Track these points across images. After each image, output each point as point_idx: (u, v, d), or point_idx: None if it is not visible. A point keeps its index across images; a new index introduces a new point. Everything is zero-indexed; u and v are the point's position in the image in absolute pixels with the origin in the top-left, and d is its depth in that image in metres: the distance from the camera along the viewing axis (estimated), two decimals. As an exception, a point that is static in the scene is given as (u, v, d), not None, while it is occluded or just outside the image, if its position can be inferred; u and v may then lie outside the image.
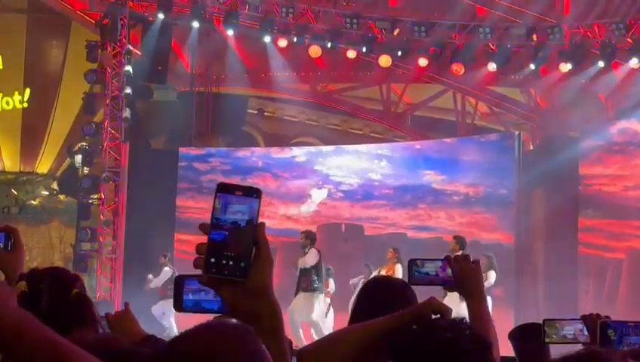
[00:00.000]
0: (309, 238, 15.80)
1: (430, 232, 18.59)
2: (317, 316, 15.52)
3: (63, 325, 3.12)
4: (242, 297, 1.79)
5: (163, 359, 1.78)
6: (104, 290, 18.40)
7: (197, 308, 2.29)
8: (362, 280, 15.49)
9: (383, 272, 15.01)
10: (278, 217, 19.70)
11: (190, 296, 2.31)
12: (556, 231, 17.68)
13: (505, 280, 17.08)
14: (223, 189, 1.81)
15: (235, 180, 20.12)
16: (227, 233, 1.78)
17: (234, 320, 1.82)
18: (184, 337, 1.77)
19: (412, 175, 19.12)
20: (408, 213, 19.05)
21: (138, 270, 17.42)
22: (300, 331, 15.29)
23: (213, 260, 1.77)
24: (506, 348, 3.41)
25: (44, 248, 22.94)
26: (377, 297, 3.46)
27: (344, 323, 3.38)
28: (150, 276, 17.06)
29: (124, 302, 4.12)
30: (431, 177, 18.94)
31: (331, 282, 16.49)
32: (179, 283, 2.34)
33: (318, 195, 19.78)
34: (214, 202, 1.80)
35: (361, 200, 19.55)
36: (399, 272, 14.78)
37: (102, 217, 18.92)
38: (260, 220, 1.82)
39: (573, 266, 16.83)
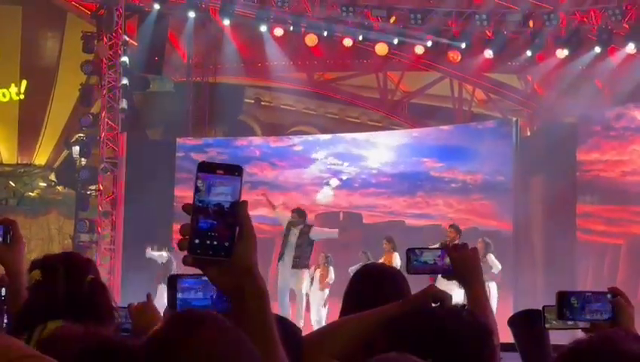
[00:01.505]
0: (302, 216, 15.56)
1: (428, 220, 18.61)
2: (306, 288, 15.57)
3: (79, 312, 3.14)
4: (228, 276, 1.80)
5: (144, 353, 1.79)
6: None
7: (189, 306, 2.29)
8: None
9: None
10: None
11: (180, 295, 2.30)
12: (554, 218, 17.68)
13: (503, 267, 17.09)
14: (205, 169, 1.80)
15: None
16: (210, 214, 1.78)
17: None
18: (160, 330, 1.78)
19: (410, 163, 19.12)
20: (406, 200, 19.06)
21: (137, 261, 17.42)
22: (287, 299, 15.28)
23: (197, 241, 1.77)
24: (505, 335, 3.42)
25: (42, 239, 22.94)
26: (367, 285, 3.48)
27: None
28: (149, 249, 17.02)
29: (146, 294, 4.10)
30: (429, 165, 18.95)
31: (331, 271, 16.45)
32: (172, 283, 2.33)
33: (333, 183, 19.79)
34: (196, 183, 1.79)
35: (358, 189, 19.55)
36: (397, 260, 14.78)
37: (100, 208, 18.92)
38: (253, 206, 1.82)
39: (571, 252, 16.85)
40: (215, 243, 1.77)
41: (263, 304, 1.82)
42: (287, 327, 3.30)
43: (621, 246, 16.60)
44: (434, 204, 18.71)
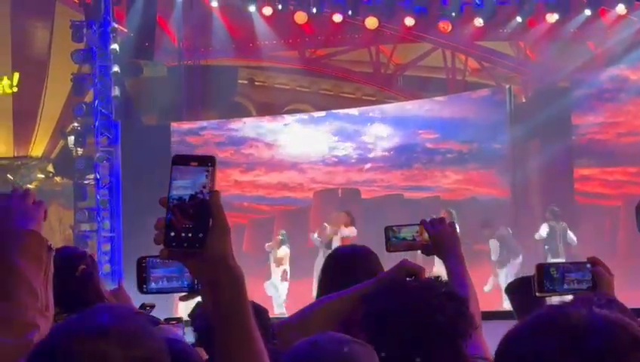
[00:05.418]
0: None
1: (427, 192, 18.59)
2: None
3: (69, 303, 3.22)
4: (203, 267, 1.82)
5: None
6: (104, 270, 18.40)
7: (161, 289, 2.29)
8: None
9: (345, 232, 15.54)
10: (273, 186, 19.71)
11: (154, 274, 2.31)
12: (552, 183, 17.68)
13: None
14: (178, 162, 1.83)
15: (229, 151, 20.17)
16: (184, 207, 1.79)
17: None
18: None
19: (405, 135, 19.09)
20: (404, 173, 19.04)
21: (138, 247, 17.41)
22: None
23: (172, 234, 1.79)
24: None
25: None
26: (338, 268, 3.48)
27: (301, 290, 3.43)
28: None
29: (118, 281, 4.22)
30: (424, 136, 18.92)
31: (283, 248, 16.81)
32: (141, 265, 2.33)
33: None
34: (170, 176, 1.82)
35: (355, 164, 19.54)
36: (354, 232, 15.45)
37: (98, 197, 18.90)
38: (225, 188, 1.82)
39: (570, 216, 16.83)
40: (190, 235, 1.79)
41: (239, 292, 1.84)
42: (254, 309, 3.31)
43: (620, 208, 16.59)
44: (431, 175, 18.70)
